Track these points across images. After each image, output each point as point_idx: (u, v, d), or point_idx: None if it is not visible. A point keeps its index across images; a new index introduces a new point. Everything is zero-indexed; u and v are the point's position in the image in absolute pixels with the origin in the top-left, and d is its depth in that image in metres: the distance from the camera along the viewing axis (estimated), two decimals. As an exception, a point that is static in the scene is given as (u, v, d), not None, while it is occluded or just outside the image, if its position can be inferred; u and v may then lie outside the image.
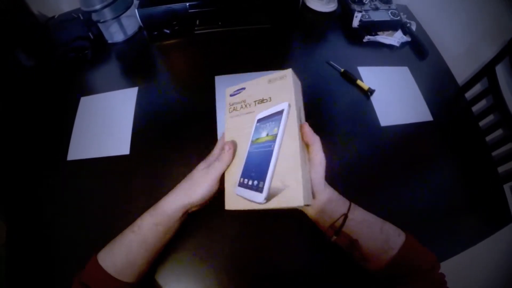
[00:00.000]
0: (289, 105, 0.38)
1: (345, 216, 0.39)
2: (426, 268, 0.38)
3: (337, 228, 0.39)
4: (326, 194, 0.40)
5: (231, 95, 0.45)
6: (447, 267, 0.44)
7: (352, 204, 0.41)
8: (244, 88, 0.44)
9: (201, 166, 0.43)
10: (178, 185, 0.43)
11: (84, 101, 0.66)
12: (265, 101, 0.41)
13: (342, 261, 0.48)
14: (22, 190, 0.56)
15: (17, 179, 0.57)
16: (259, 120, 0.40)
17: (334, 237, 0.40)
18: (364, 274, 0.46)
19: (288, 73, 0.40)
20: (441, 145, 0.64)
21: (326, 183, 0.40)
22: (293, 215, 0.51)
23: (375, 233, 0.39)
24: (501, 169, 0.66)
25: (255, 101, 0.42)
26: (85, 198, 0.54)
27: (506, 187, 0.63)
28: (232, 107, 0.44)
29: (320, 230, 0.42)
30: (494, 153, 0.68)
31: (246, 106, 0.42)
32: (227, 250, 0.48)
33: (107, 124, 0.63)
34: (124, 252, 0.38)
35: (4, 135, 0.63)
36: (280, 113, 0.38)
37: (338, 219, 0.39)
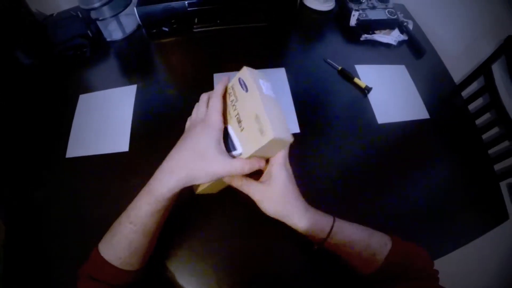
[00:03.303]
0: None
1: (323, 240, 0.38)
2: (418, 268, 0.38)
3: (319, 245, 0.40)
4: (306, 220, 0.38)
5: (238, 82, 0.38)
6: (443, 263, 0.44)
7: (336, 224, 0.39)
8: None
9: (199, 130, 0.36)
10: (173, 160, 0.36)
11: (83, 98, 0.67)
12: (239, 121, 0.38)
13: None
14: (21, 188, 0.56)
15: (16, 177, 0.57)
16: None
17: (315, 247, 0.41)
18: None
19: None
20: (437, 143, 0.64)
21: (307, 205, 0.39)
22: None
23: (360, 250, 0.39)
24: (497, 166, 0.67)
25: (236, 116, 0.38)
26: (84, 196, 0.54)
27: (502, 184, 0.64)
28: (228, 94, 0.39)
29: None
30: (490, 151, 0.69)
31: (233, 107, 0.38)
32: (226, 249, 0.49)
33: (106, 121, 0.63)
34: (126, 244, 0.37)
35: (2, 134, 0.63)
36: None
37: (317, 241, 0.39)
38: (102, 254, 0.37)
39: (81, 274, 0.37)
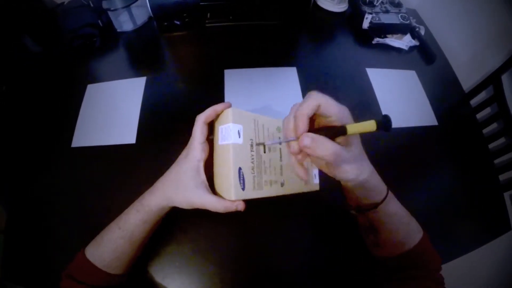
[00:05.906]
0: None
1: (375, 205, 0.36)
2: (432, 268, 0.38)
3: (362, 209, 0.37)
4: (365, 174, 0.35)
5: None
6: (443, 271, 0.44)
7: (389, 195, 0.37)
8: None
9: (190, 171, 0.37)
10: (165, 179, 0.40)
11: (91, 88, 0.66)
12: None
13: (341, 261, 0.48)
14: (25, 175, 0.55)
15: (20, 164, 0.57)
16: None
17: (354, 212, 0.39)
18: (364, 275, 0.46)
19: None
20: (444, 150, 0.64)
21: (369, 162, 0.36)
22: (296, 213, 0.52)
23: (401, 227, 0.38)
24: (502, 177, 0.67)
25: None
26: (87, 185, 0.53)
27: (506, 195, 0.64)
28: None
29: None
30: (496, 161, 0.68)
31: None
32: (229, 245, 0.48)
33: (113, 112, 0.63)
34: (111, 248, 0.38)
35: (9, 121, 0.62)
36: None
37: (368, 204, 0.37)
38: (88, 255, 0.38)
39: (63, 274, 0.38)
